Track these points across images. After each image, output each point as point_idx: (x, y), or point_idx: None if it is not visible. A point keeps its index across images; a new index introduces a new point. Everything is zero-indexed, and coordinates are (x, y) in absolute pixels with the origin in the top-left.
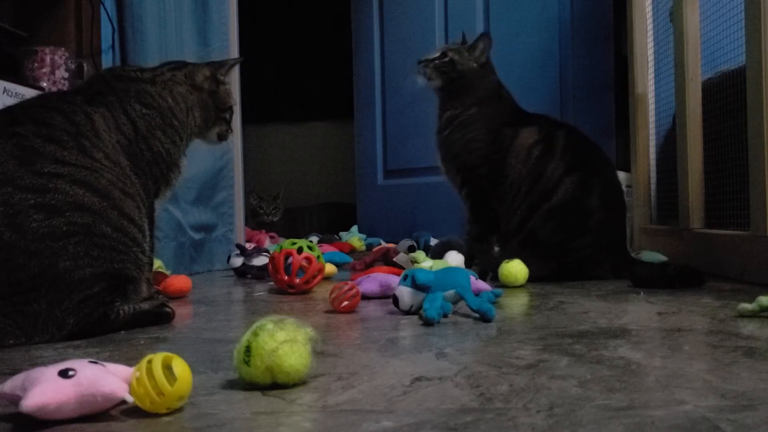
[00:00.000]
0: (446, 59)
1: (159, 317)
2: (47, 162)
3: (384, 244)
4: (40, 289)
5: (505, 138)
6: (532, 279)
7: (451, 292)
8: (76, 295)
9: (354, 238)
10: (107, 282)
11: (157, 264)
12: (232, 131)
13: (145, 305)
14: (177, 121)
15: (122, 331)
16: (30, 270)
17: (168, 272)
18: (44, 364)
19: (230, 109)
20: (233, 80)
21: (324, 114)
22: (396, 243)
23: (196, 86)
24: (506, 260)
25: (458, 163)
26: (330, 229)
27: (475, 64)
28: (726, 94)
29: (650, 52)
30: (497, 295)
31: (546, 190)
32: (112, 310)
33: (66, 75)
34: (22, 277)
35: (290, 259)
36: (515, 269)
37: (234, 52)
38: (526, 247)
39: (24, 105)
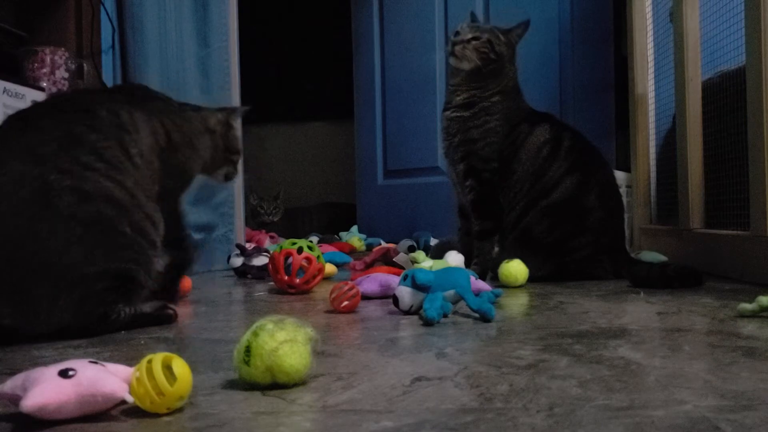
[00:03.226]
0: (484, 39)
1: (160, 319)
2: (86, 150)
3: (384, 244)
4: (48, 274)
5: (520, 134)
6: (530, 278)
7: (451, 292)
8: (79, 288)
9: (354, 238)
10: (113, 281)
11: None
12: (237, 172)
13: (147, 307)
14: (197, 147)
15: (122, 332)
16: (45, 250)
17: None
18: (44, 364)
19: (238, 152)
20: (233, 81)
21: (324, 114)
22: (396, 243)
23: (209, 129)
24: (506, 260)
25: (470, 150)
26: (330, 229)
27: (507, 49)
28: (726, 94)
29: (650, 52)
30: (497, 295)
31: (546, 189)
32: (113, 310)
33: (66, 75)
34: (35, 257)
35: (290, 259)
36: (515, 269)
37: (234, 52)
38: (521, 245)
39: (70, 95)
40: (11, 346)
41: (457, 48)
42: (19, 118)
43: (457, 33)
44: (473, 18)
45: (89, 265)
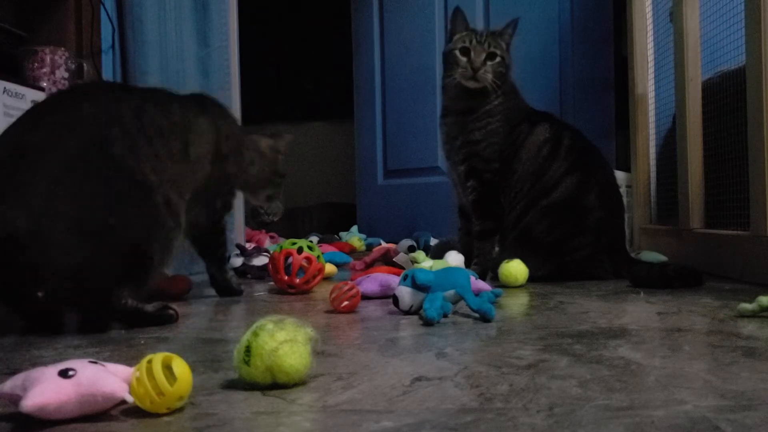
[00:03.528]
0: (498, 59)
1: (162, 319)
2: (153, 129)
3: (384, 244)
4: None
5: (521, 133)
6: (530, 278)
7: (451, 292)
8: (100, 256)
9: (354, 238)
10: (131, 257)
11: None
12: (281, 194)
13: (149, 307)
14: (245, 163)
15: (122, 331)
16: (98, 205)
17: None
18: (44, 364)
19: (283, 175)
20: (233, 81)
21: (324, 114)
22: (396, 243)
23: (260, 150)
24: (506, 260)
25: (472, 151)
26: (330, 229)
27: (509, 55)
28: (726, 94)
29: (650, 52)
30: (497, 295)
31: (546, 188)
32: (118, 292)
33: (66, 75)
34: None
35: (290, 259)
36: (515, 269)
37: (234, 52)
38: (521, 245)
39: (145, 89)
40: (11, 345)
41: (480, 74)
42: (103, 86)
43: (465, 48)
44: (461, 15)
45: (121, 232)
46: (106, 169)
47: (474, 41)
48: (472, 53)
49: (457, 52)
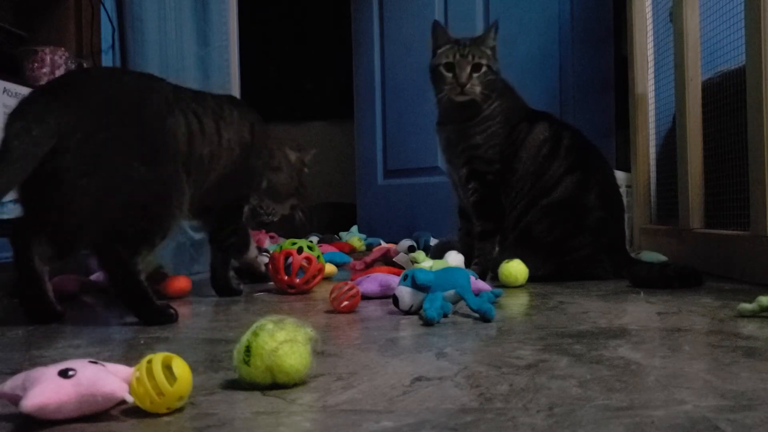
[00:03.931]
0: (484, 68)
1: (162, 317)
2: (191, 108)
3: (384, 244)
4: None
5: (520, 132)
6: (530, 278)
7: (451, 292)
8: (131, 220)
9: (354, 238)
10: (154, 226)
11: (157, 264)
12: (304, 207)
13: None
14: (276, 162)
15: (122, 330)
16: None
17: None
18: (44, 364)
19: (305, 189)
20: (233, 81)
21: (324, 114)
22: (396, 243)
23: (288, 159)
24: (506, 260)
25: (473, 154)
26: (330, 229)
27: (495, 60)
28: (726, 94)
29: (650, 52)
30: (497, 295)
31: (546, 188)
32: (137, 258)
33: None
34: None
35: (290, 259)
36: (515, 269)
37: (234, 51)
38: (521, 244)
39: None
40: (11, 345)
41: (467, 88)
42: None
43: (449, 64)
44: (440, 28)
45: (153, 207)
46: (146, 126)
47: (458, 55)
48: (457, 68)
49: (443, 69)
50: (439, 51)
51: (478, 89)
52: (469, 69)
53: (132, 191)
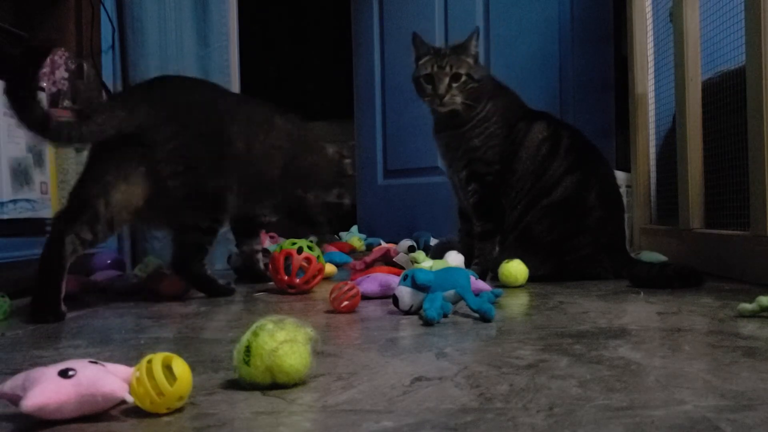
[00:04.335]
0: (464, 78)
1: (227, 290)
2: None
3: (384, 244)
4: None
5: (519, 132)
6: (530, 278)
7: (451, 292)
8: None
9: (354, 238)
10: (206, 232)
11: (157, 264)
12: (348, 195)
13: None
14: (316, 160)
15: (123, 331)
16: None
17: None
18: (44, 364)
19: (348, 176)
20: (233, 81)
21: (324, 114)
22: (396, 243)
23: (327, 155)
24: (506, 260)
25: (473, 156)
26: (330, 229)
27: (478, 66)
28: (726, 94)
29: (650, 52)
30: (497, 295)
31: (546, 188)
32: (207, 247)
33: (66, 75)
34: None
35: (290, 259)
36: (515, 269)
37: (234, 52)
38: (521, 244)
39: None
40: (11, 345)
41: (446, 99)
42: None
43: (428, 76)
44: (419, 39)
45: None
46: (212, 123)
47: (436, 66)
48: (436, 80)
49: (423, 80)
50: (420, 62)
51: (458, 99)
52: (447, 80)
53: (206, 189)
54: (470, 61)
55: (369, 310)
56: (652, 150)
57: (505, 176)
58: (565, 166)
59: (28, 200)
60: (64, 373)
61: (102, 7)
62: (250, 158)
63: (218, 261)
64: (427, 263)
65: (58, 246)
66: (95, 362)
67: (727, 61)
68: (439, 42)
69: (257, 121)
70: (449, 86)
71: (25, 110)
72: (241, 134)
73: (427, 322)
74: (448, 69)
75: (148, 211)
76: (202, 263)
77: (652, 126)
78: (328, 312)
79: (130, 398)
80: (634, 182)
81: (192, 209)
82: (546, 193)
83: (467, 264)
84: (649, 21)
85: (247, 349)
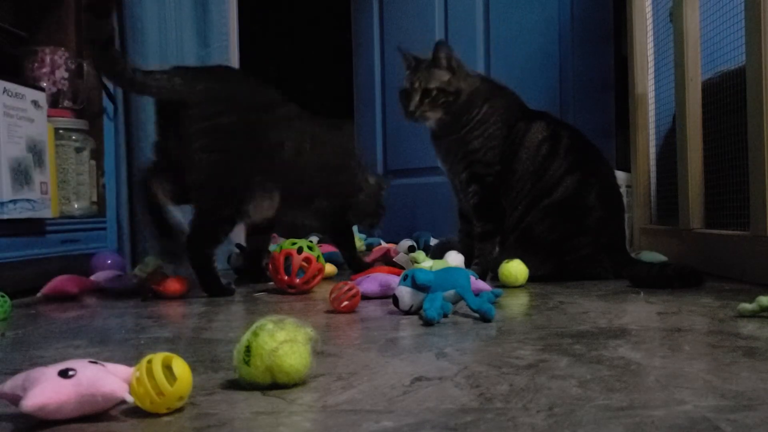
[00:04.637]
0: (434, 92)
1: (228, 291)
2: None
3: (384, 244)
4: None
5: (518, 132)
6: (530, 278)
7: (451, 292)
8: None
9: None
10: (226, 220)
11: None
12: (380, 224)
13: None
14: (360, 181)
15: (123, 330)
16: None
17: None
18: (44, 364)
19: (384, 208)
20: None
21: (324, 114)
22: (396, 243)
23: (369, 182)
24: (506, 260)
25: (473, 159)
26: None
27: (455, 76)
28: (726, 94)
29: (650, 52)
30: (497, 295)
31: (547, 188)
32: (222, 237)
33: (66, 75)
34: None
35: (290, 259)
36: (515, 269)
37: (234, 52)
38: (521, 245)
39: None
40: (11, 345)
41: (417, 115)
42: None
43: (402, 92)
44: (403, 53)
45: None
46: (261, 122)
47: (408, 82)
48: (407, 97)
49: (401, 96)
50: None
51: (430, 115)
52: (417, 97)
53: (234, 176)
54: (443, 74)
55: (369, 310)
56: (652, 150)
57: (505, 177)
58: (565, 166)
59: (28, 200)
60: (64, 373)
61: None
62: (298, 167)
63: (218, 261)
64: (427, 263)
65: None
66: (95, 362)
67: (727, 61)
68: None
69: (312, 134)
70: (420, 102)
71: (106, 58)
72: (292, 143)
73: (427, 322)
74: (417, 85)
75: (177, 184)
76: (213, 252)
77: (652, 126)
78: (328, 312)
79: (130, 398)
80: (634, 182)
81: (216, 192)
82: (547, 194)
83: (467, 264)
84: (649, 21)
85: (247, 349)
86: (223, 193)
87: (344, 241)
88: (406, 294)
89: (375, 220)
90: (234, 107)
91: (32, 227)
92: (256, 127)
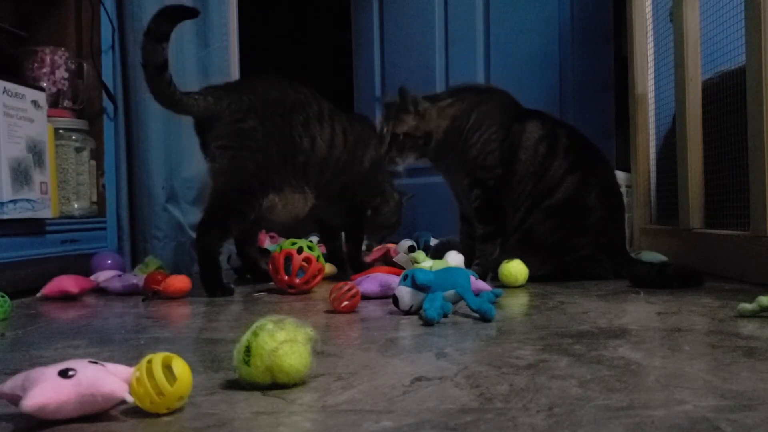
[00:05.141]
0: (401, 137)
1: (227, 290)
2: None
3: (384, 244)
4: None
5: (515, 133)
6: (530, 278)
7: (451, 292)
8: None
9: None
10: (238, 211)
11: (157, 264)
12: (390, 237)
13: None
14: (383, 186)
15: (123, 331)
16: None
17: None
18: (44, 364)
19: (400, 224)
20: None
21: None
22: (396, 243)
23: (393, 195)
24: (506, 260)
25: (473, 165)
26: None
27: (418, 119)
28: (726, 94)
29: (650, 52)
30: (497, 295)
31: (548, 188)
32: (231, 229)
33: (66, 75)
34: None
35: (290, 259)
36: (515, 269)
37: (234, 52)
38: (523, 245)
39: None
40: (11, 346)
41: (387, 159)
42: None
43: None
44: (399, 95)
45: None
46: (285, 124)
47: (379, 128)
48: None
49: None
50: None
51: (399, 160)
52: (387, 143)
53: (251, 173)
54: (410, 119)
55: (369, 310)
56: (652, 150)
57: (506, 178)
58: (565, 166)
59: (28, 200)
60: (64, 373)
61: (102, 7)
62: (330, 163)
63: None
64: (427, 263)
65: None
66: (95, 362)
67: (727, 61)
68: (438, 42)
69: (344, 130)
70: (390, 148)
71: (161, 82)
72: (325, 139)
73: (427, 322)
74: (385, 131)
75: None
76: (220, 244)
77: (652, 126)
78: (328, 312)
79: (130, 398)
80: (634, 182)
81: (231, 183)
82: (548, 194)
83: (468, 264)
84: (649, 21)
85: (247, 349)
86: (238, 185)
87: (355, 236)
88: (406, 294)
89: (387, 233)
90: (255, 114)
91: (32, 227)
92: (281, 129)
